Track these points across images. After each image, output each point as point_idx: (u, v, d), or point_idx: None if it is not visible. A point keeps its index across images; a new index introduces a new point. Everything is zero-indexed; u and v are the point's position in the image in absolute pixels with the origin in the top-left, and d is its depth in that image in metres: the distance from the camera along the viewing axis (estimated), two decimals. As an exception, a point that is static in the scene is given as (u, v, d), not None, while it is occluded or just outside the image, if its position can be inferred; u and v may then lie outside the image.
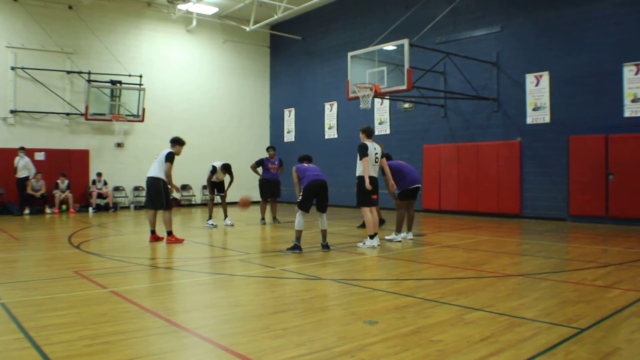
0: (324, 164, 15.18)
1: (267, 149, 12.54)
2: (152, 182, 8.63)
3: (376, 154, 8.24)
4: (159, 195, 8.60)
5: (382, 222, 10.69)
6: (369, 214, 8.15)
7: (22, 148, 15.02)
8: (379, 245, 8.15)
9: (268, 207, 12.33)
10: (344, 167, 16.97)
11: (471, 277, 5.76)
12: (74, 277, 5.88)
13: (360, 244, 8.26)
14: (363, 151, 8.08)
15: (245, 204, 8.74)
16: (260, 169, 12.13)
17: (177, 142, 8.93)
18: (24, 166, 14.92)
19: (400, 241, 8.80)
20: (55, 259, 7.35)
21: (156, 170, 8.60)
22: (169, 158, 8.58)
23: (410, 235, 9.12)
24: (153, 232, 8.85)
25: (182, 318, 4.23)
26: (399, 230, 8.94)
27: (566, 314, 4.21)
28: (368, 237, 8.23)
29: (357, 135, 8.65)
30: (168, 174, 8.57)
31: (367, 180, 7.99)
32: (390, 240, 8.83)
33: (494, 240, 9.05)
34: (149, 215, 8.87)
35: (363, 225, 10.64)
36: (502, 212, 13.29)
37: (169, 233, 8.73)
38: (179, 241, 8.71)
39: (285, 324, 3.98)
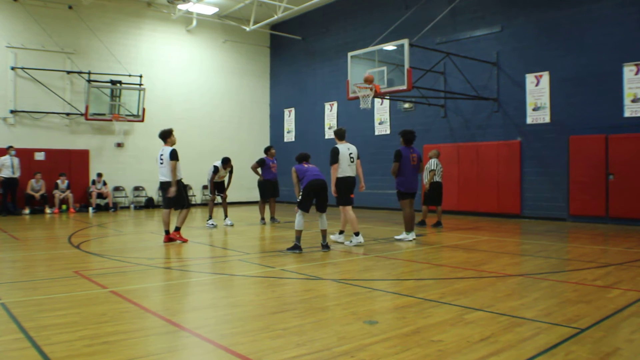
0: (324, 164, 15.14)
1: (269, 149, 12.47)
2: (171, 185, 8.51)
3: (350, 154, 8.36)
4: (180, 196, 8.59)
5: (439, 224, 11.16)
6: (352, 213, 8.34)
7: (10, 147, 14.87)
8: (362, 243, 8.34)
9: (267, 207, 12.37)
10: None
11: (471, 277, 5.76)
12: (74, 277, 5.88)
13: (348, 242, 8.40)
14: (333, 157, 8.24)
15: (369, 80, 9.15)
16: (260, 169, 12.12)
17: (167, 134, 8.67)
18: (18, 165, 14.81)
19: (411, 240, 8.82)
20: (55, 259, 7.35)
21: (169, 173, 8.48)
22: (174, 156, 8.43)
23: (403, 235, 9.08)
24: (167, 232, 8.74)
25: (182, 318, 4.23)
26: (409, 230, 8.97)
27: (566, 314, 4.21)
28: (354, 235, 8.35)
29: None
30: (175, 171, 8.46)
31: (332, 187, 8.19)
32: (400, 240, 8.87)
33: (494, 240, 9.05)
34: (164, 215, 8.71)
35: (423, 223, 11.17)
36: (502, 212, 13.29)
37: (177, 229, 8.69)
38: (183, 240, 8.69)
39: (285, 324, 3.98)
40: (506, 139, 13.39)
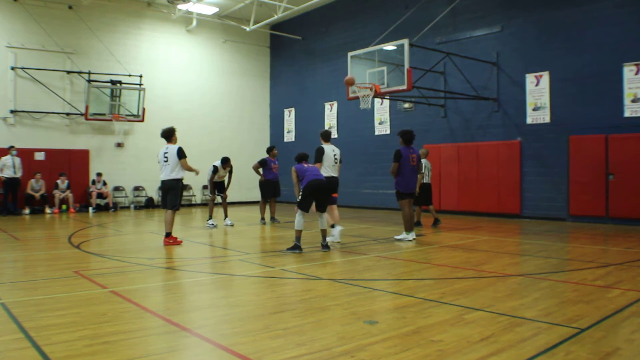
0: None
1: (272, 149, 12.49)
2: (173, 183, 8.49)
3: (335, 155, 8.66)
4: (177, 196, 8.59)
5: (436, 221, 11.24)
6: (334, 210, 8.69)
7: (12, 147, 14.84)
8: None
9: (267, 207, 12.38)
10: (343, 167, 16.94)
11: (471, 277, 5.76)
12: (74, 277, 5.88)
13: (330, 238, 8.46)
14: (317, 156, 8.53)
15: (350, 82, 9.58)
16: (261, 170, 12.13)
17: (172, 132, 8.70)
18: (20, 165, 14.80)
19: (411, 240, 8.82)
20: (55, 259, 7.35)
21: (173, 171, 8.43)
22: (182, 154, 8.42)
23: (402, 235, 9.05)
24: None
25: (182, 318, 4.23)
26: (408, 230, 8.96)
27: (566, 314, 4.21)
28: (331, 228, 8.53)
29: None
30: (189, 168, 8.61)
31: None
32: (400, 240, 8.85)
33: (494, 240, 9.05)
34: (166, 215, 8.63)
35: (418, 224, 11.08)
36: (502, 212, 13.29)
37: (168, 235, 8.56)
38: (177, 243, 8.62)
39: (285, 324, 3.98)
40: (506, 139, 13.39)
